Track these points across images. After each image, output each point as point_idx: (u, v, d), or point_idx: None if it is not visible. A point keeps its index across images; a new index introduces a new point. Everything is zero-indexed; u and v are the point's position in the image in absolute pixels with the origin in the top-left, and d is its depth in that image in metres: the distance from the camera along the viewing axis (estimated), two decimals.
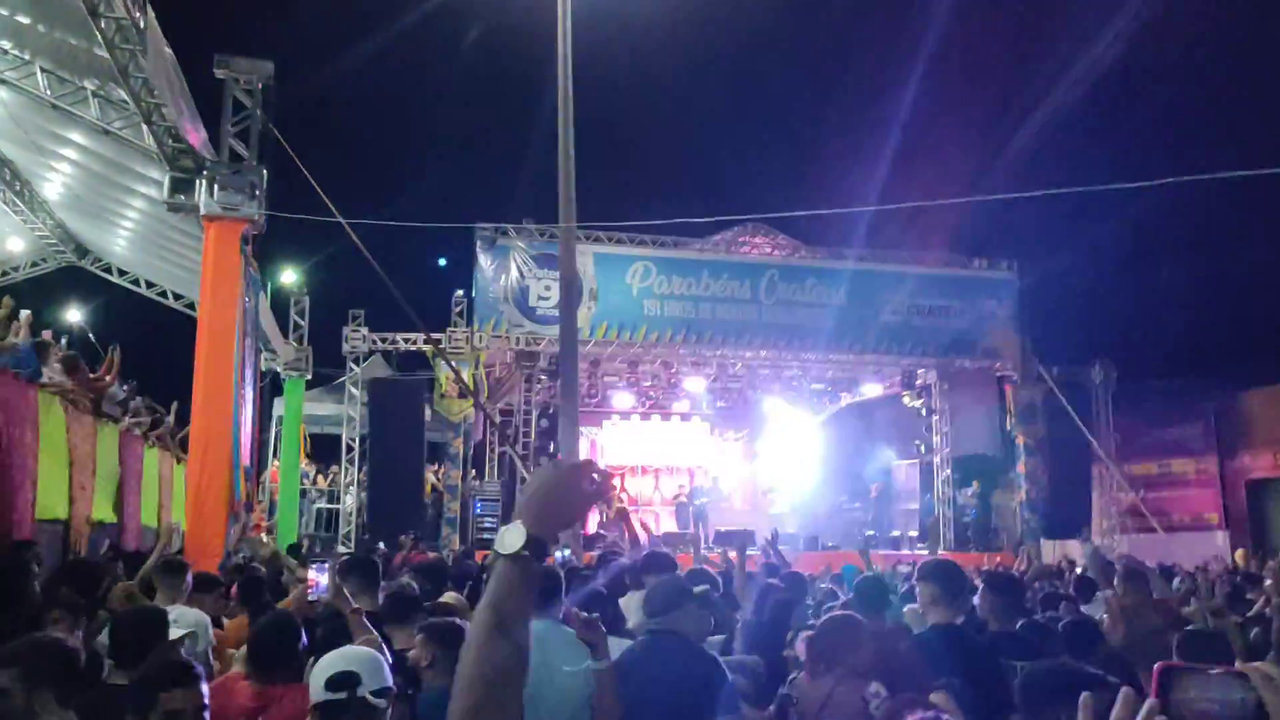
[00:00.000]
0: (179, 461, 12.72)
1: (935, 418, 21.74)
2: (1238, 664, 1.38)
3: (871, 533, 21.99)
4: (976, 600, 4.93)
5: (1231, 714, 1.29)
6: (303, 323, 19.18)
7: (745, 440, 25.74)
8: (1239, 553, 18.39)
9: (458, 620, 4.17)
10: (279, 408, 19.74)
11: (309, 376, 19.19)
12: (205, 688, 2.87)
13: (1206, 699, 1.31)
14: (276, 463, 19.60)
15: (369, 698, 2.65)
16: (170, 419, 12.69)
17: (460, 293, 19.05)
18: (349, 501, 18.88)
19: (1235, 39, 26.03)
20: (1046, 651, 4.24)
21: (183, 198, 10.43)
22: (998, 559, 17.07)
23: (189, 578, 5.53)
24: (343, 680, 2.65)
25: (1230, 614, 6.57)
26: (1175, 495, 23.92)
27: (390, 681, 2.81)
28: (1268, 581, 8.61)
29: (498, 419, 19.89)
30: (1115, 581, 6.60)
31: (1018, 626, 4.78)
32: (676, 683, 3.64)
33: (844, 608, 4.96)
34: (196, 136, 10.39)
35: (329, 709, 2.67)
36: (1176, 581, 10.05)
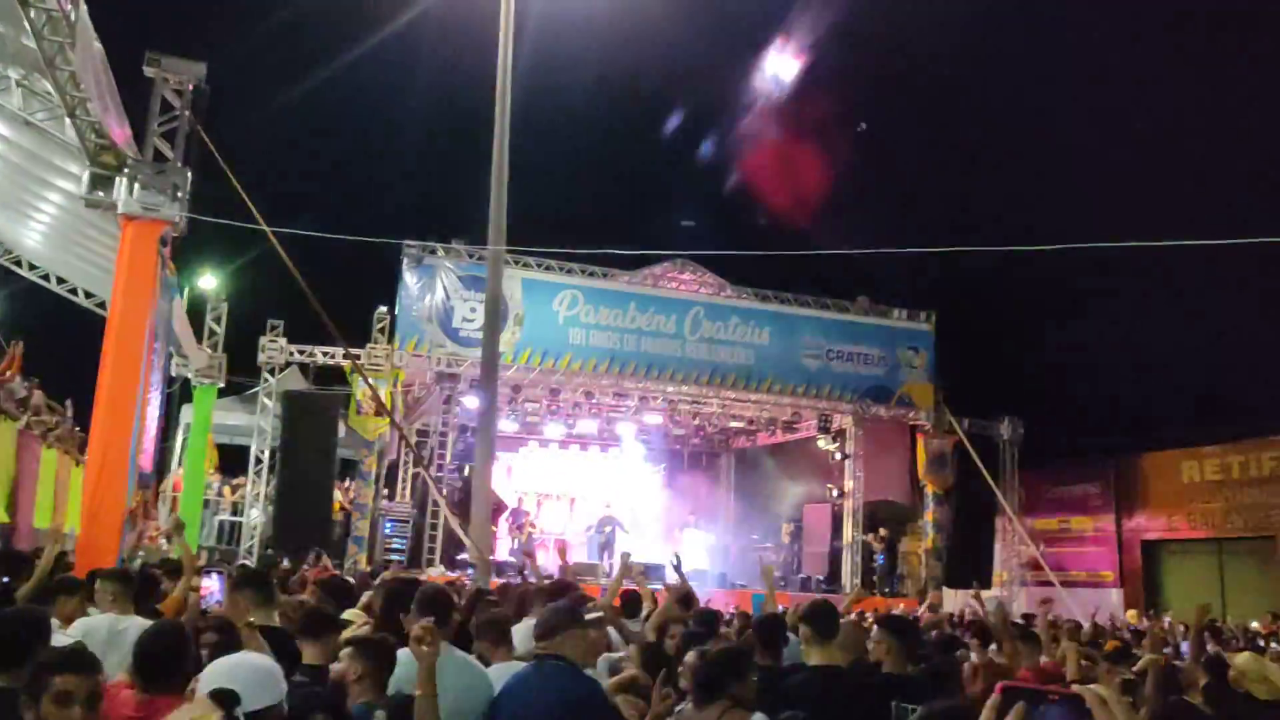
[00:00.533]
0: (77, 464, 12.34)
1: (849, 462, 22.08)
2: (1074, 687, 1.45)
3: (780, 573, 22.25)
4: (871, 643, 5.02)
5: None
6: (218, 329, 18.76)
7: (663, 473, 25.83)
8: (1130, 612, 18.99)
9: (386, 636, 4.13)
10: (187, 415, 19.25)
11: (221, 385, 18.77)
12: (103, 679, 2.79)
13: (1042, 714, 1.40)
14: (180, 471, 19.07)
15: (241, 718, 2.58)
16: (69, 417, 12.31)
17: (383, 309, 18.87)
18: (254, 515, 18.44)
19: (1163, 104, 27.16)
20: (942, 695, 4.32)
21: (101, 194, 10.18)
22: (900, 604, 17.36)
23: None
24: (222, 698, 2.58)
25: (1118, 668, 6.77)
26: (1074, 552, 24.62)
27: (279, 697, 2.74)
28: (1146, 640, 8.89)
29: (413, 439, 19.66)
30: (1007, 640, 6.66)
31: (913, 670, 4.88)
32: (554, 706, 3.64)
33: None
34: (121, 133, 10.17)
35: None
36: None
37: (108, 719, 3.29)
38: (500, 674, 4.14)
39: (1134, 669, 7.60)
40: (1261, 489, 21.80)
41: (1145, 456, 24.33)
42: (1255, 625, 15.02)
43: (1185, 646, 9.19)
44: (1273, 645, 11.52)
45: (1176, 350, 24.23)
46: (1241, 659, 5.54)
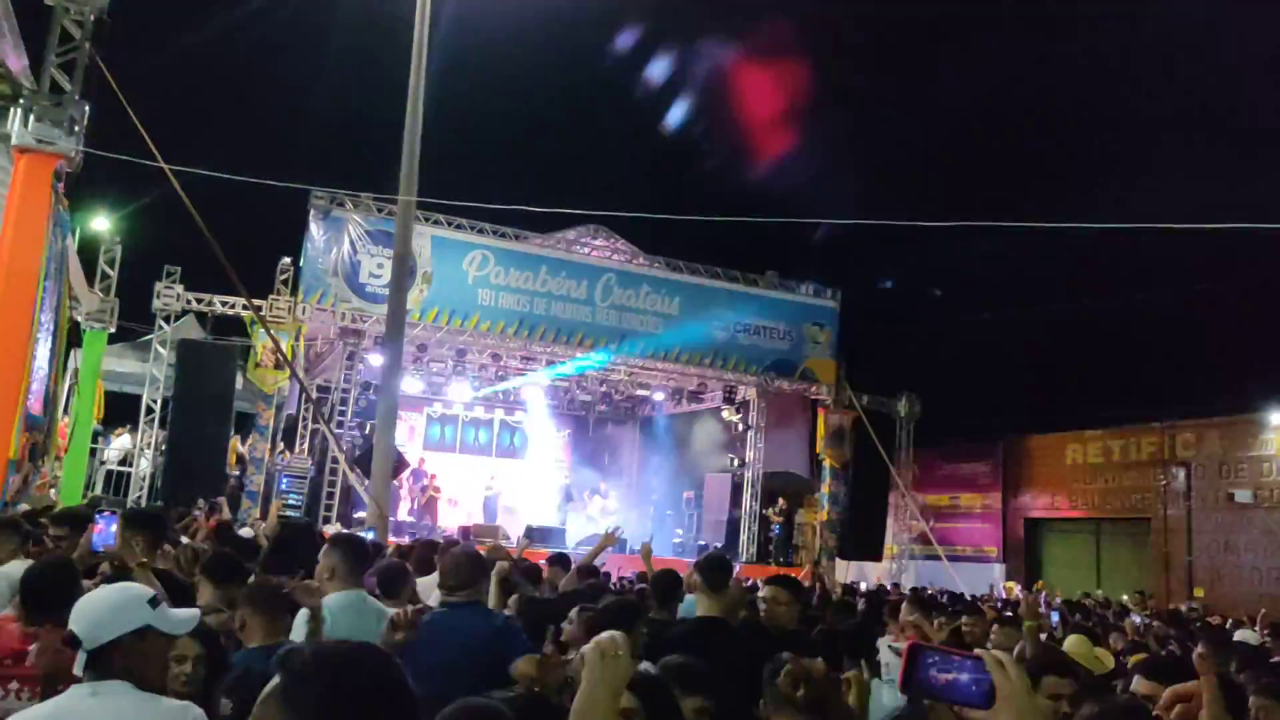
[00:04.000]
0: None
1: (750, 433, 22.44)
2: (976, 650, 1.57)
3: (679, 539, 22.57)
4: (762, 601, 5.20)
5: (966, 689, 1.51)
6: (111, 273, 18.13)
7: (567, 438, 25.90)
8: (1008, 584, 19.83)
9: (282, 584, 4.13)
10: (75, 359, 18.58)
11: (112, 330, 18.17)
12: None
13: (947, 675, 1.52)
14: (66, 419, 18.42)
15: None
16: None
17: (287, 260, 18.43)
18: (143, 465, 17.94)
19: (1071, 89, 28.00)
20: (824, 652, 4.48)
21: None
22: (795, 574, 17.81)
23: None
24: (69, 640, 2.58)
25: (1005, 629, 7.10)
26: (961, 527, 25.54)
27: (130, 627, 2.61)
28: (1021, 606, 9.30)
29: (314, 394, 19.32)
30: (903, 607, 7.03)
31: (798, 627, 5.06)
32: (473, 641, 3.72)
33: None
34: (17, 62, 9.74)
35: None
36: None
37: None
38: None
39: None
40: (1139, 473, 22.90)
41: (1032, 438, 25.33)
42: (1125, 599, 15.80)
43: (1055, 617, 9.65)
44: (1134, 619, 12.13)
45: (1065, 335, 25.17)
46: (1070, 641, 5.90)
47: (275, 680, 1.39)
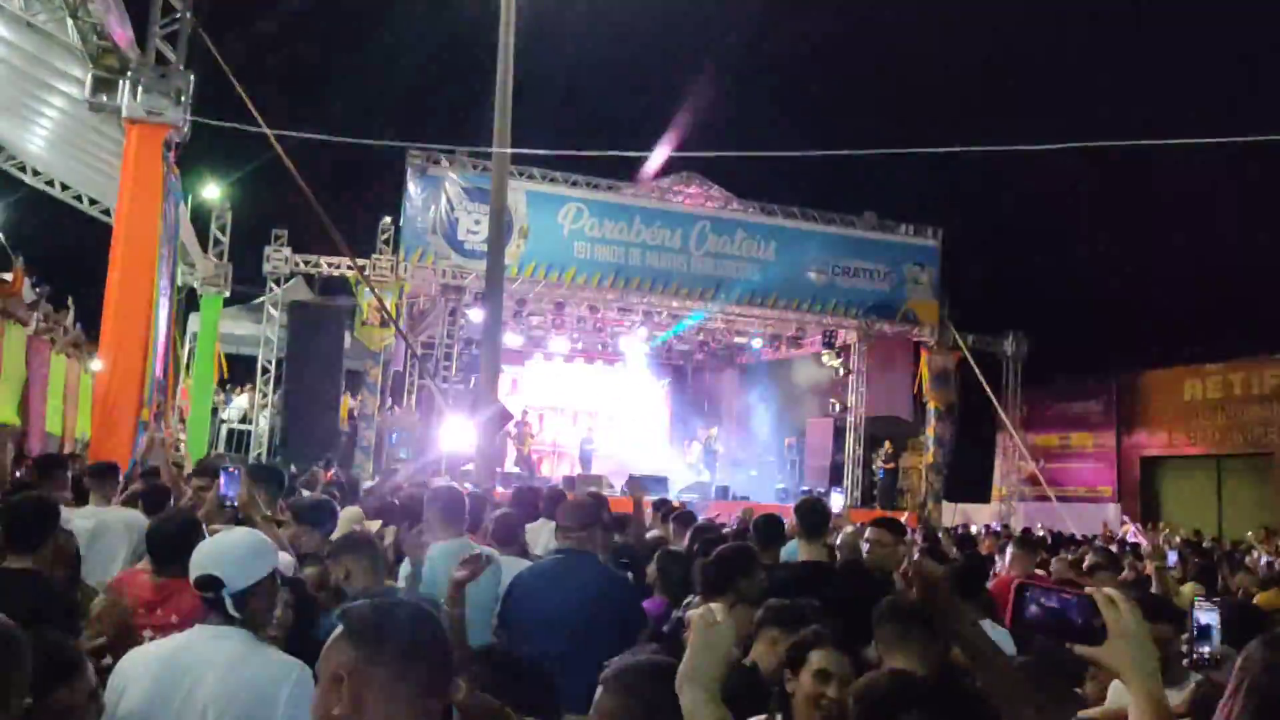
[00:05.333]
0: (86, 371, 12.45)
1: (852, 378, 22.15)
2: (1087, 587, 1.55)
3: (782, 485, 22.52)
4: (865, 542, 5.20)
5: (1075, 626, 1.49)
6: (223, 238, 18.73)
7: (666, 388, 25.98)
8: (1127, 524, 19.25)
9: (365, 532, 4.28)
10: (193, 324, 19.33)
11: (227, 293, 18.82)
12: (90, 673, 2.43)
13: (1055, 611, 1.51)
14: (188, 380, 19.22)
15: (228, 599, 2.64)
16: (69, 320, 12.38)
17: (388, 219, 18.81)
18: (262, 423, 18.64)
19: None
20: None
21: (105, 98, 10.13)
22: (901, 518, 17.63)
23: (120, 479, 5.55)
24: (205, 584, 2.67)
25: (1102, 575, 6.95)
26: (1073, 467, 24.88)
27: (265, 571, 2.74)
28: (1145, 546, 9.07)
29: (419, 351, 19.76)
30: (1009, 550, 7.02)
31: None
32: (588, 597, 3.77)
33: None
34: (123, 35, 10.05)
35: (207, 604, 2.68)
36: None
37: (129, 600, 3.43)
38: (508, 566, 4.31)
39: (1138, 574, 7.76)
40: (1262, 406, 21.92)
41: (1147, 374, 24.44)
42: (1250, 535, 15.25)
43: (1173, 557, 9.35)
44: (1260, 557, 11.70)
45: (1180, 266, 24.16)
46: (1185, 590, 5.77)
47: (339, 628, 1.69)
